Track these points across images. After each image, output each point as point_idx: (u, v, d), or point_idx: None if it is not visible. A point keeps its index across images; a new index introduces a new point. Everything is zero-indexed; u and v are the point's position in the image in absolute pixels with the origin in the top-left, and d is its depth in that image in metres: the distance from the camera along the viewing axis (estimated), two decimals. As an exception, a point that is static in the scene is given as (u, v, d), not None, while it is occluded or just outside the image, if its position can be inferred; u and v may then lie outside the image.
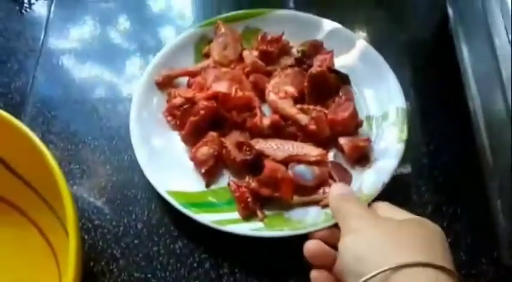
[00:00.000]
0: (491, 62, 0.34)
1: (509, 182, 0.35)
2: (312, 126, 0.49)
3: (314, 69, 0.53)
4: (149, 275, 0.47)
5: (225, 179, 0.50)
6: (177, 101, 0.53)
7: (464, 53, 0.50)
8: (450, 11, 0.50)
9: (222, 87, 0.51)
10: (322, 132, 0.50)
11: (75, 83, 0.59)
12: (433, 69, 0.53)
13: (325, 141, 0.51)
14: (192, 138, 0.51)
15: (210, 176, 0.50)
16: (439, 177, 0.53)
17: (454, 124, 0.54)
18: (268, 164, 0.47)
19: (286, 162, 0.49)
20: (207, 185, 0.50)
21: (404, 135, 0.50)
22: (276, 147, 0.49)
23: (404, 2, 0.66)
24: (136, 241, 0.49)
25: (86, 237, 0.49)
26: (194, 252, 0.48)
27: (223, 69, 0.54)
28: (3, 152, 0.44)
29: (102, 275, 0.47)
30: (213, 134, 0.50)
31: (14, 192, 0.45)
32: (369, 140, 0.51)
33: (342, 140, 0.51)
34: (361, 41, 0.57)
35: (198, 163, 0.50)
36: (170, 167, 0.50)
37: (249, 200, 0.47)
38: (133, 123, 0.52)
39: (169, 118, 0.53)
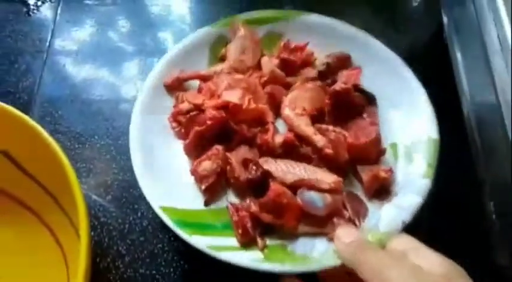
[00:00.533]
0: (485, 70, 0.34)
1: (501, 184, 0.36)
2: (329, 150, 0.44)
3: (338, 86, 0.47)
4: (154, 272, 0.47)
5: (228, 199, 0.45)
6: (184, 106, 0.49)
7: (459, 61, 0.49)
8: (445, 20, 0.50)
9: (233, 96, 0.46)
10: (340, 157, 0.45)
11: (81, 83, 0.59)
12: (428, 77, 0.49)
13: (342, 168, 0.46)
14: (195, 150, 0.47)
15: (210, 194, 0.45)
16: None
17: (450, 132, 0.48)
18: (274, 187, 0.42)
19: (295, 187, 0.43)
20: (206, 204, 0.45)
21: (433, 171, 0.45)
22: (286, 169, 0.44)
23: (400, 10, 0.64)
24: (141, 238, 0.49)
25: (92, 234, 0.49)
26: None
27: (238, 76, 0.49)
28: (13, 149, 0.43)
29: (108, 271, 0.47)
30: (218, 148, 0.46)
31: (25, 190, 0.44)
32: (391, 171, 0.45)
33: (361, 169, 0.45)
34: (396, 59, 0.51)
35: (198, 178, 0.45)
36: (168, 180, 0.46)
37: (248, 225, 0.42)
38: (134, 126, 0.48)
39: (174, 125, 0.49)
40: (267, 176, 0.44)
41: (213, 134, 0.46)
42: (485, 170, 0.43)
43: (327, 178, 0.44)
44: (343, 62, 0.52)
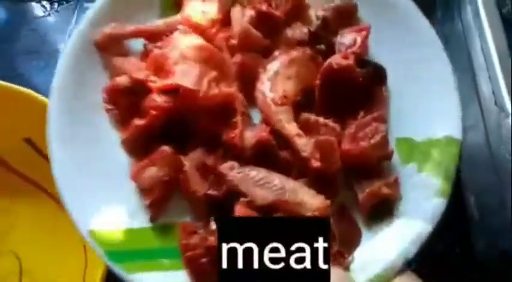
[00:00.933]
0: (472, 85, 0.37)
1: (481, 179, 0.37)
2: (316, 163, 0.32)
3: (335, 61, 0.34)
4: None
5: (182, 210, 0.34)
6: (122, 81, 0.35)
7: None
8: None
9: (187, 77, 0.33)
10: (330, 167, 0.33)
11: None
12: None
13: (332, 178, 0.34)
14: (137, 148, 0.35)
15: (155, 210, 0.34)
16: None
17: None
18: (239, 211, 0.31)
19: (269, 209, 0.32)
20: (152, 220, 0.34)
21: (449, 187, 0.34)
22: (257, 181, 0.33)
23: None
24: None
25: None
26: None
27: (196, 40, 0.35)
28: (35, 136, 0.42)
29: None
30: (165, 150, 0.33)
31: (44, 175, 0.38)
32: (396, 184, 0.34)
33: (357, 185, 0.34)
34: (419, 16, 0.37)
35: (141, 189, 0.34)
36: (100, 184, 0.34)
37: (203, 261, 0.32)
38: (54, 113, 0.35)
39: (108, 106, 0.36)
40: (232, 192, 0.33)
41: (159, 129, 0.34)
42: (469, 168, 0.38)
43: (312, 201, 0.32)
44: (345, 16, 0.37)
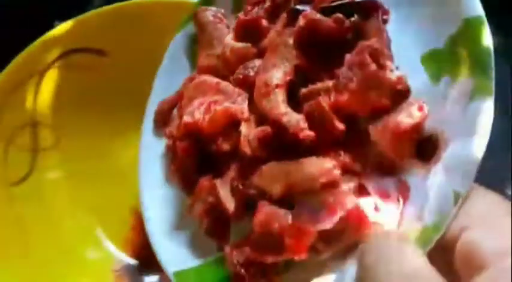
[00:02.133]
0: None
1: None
2: (304, 133, 0.29)
3: (302, 20, 0.31)
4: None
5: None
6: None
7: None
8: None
9: (188, 115, 0.36)
10: (326, 134, 0.29)
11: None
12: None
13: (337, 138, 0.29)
14: (186, 187, 0.38)
15: (217, 238, 0.35)
16: None
17: None
18: (260, 213, 0.30)
19: (288, 197, 0.30)
20: (219, 248, 0.35)
21: (489, 81, 0.25)
22: (271, 175, 0.31)
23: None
24: None
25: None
26: None
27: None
28: None
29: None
30: (205, 181, 0.36)
31: None
32: (422, 110, 0.27)
33: (371, 128, 0.28)
34: None
35: (198, 223, 0.36)
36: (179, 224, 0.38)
37: (242, 273, 0.31)
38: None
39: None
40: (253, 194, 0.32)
41: (193, 166, 0.37)
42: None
43: (313, 168, 0.29)
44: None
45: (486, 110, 0.25)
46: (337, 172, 0.28)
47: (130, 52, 0.50)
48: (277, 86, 0.32)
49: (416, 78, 0.29)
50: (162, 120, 0.42)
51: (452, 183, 0.25)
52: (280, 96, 0.32)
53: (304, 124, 0.29)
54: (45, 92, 0.50)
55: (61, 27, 0.49)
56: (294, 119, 0.30)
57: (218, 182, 0.35)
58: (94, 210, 0.51)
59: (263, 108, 0.33)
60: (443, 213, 0.25)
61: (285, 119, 0.31)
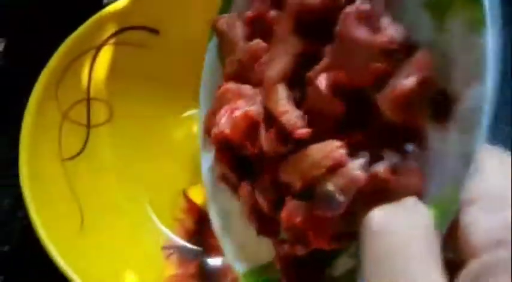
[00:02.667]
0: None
1: None
2: (300, 132, 0.28)
3: (288, 6, 0.30)
4: None
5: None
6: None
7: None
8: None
9: (216, 125, 0.35)
10: (328, 116, 0.28)
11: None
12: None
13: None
14: (234, 192, 0.38)
15: (271, 235, 0.35)
16: None
17: None
18: (284, 209, 0.30)
19: (307, 187, 0.29)
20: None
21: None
22: (289, 170, 0.31)
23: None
24: None
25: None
26: None
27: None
28: None
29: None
30: (244, 187, 0.36)
31: None
32: (423, 62, 0.24)
33: (378, 98, 0.26)
34: None
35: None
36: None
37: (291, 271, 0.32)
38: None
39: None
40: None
41: (233, 172, 0.37)
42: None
43: (319, 155, 0.28)
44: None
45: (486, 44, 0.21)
46: (342, 151, 0.27)
47: (183, 31, 0.49)
48: (276, 81, 0.32)
49: (420, 26, 0.25)
50: (207, 132, 0.42)
51: (464, 142, 0.22)
52: (280, 92, 0.31)
53: (301, 122, 0.29)
54: (99, 68, 0.51)
55: (116, 5, 0.49)
56: (293, 117, 0.29)
57: (256, 185, 0.35)
58: (145, 187, 0.52)
59: (269, 107, 0.32)
60: (459, 180, 0.22)
61: (283, 118, 0.30)
